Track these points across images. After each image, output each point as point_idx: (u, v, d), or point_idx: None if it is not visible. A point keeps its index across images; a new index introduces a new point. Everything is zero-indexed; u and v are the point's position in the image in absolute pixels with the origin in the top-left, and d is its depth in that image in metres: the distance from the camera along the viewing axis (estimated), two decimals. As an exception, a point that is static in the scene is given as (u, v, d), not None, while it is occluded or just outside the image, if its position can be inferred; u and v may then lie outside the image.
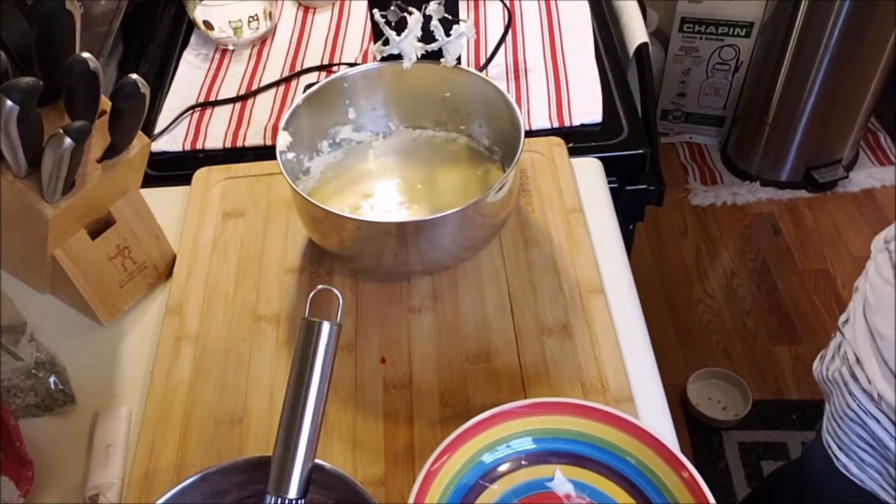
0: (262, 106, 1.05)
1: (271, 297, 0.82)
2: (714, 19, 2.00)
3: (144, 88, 0.67)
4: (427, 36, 0.80)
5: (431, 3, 0.79)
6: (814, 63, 1.86)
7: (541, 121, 0.98)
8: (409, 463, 0.69)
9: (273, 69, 1.10)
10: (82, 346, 0.81)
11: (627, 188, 0.97)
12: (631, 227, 1.05)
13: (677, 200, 2.14)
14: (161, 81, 1.10)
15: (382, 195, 0.85)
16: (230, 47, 1.14)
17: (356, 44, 1.13)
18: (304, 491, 0.55)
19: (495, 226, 0.80)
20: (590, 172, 0.92)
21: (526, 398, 0.68)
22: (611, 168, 0.94)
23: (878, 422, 0.78)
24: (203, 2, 1.10)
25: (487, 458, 0.66)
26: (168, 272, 0.86)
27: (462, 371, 0.75)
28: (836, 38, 1.80)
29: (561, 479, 0.66)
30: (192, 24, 1.17)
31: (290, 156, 0.81)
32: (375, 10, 0.80)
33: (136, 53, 1.16)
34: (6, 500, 0.69)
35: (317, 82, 0.89)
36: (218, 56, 1.13)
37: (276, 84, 1.07)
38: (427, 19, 0.79)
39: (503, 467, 0.66)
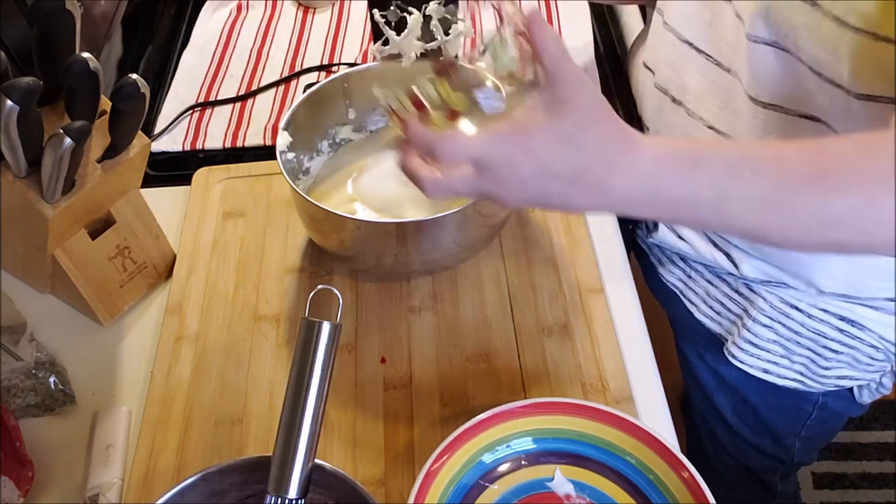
0: (262, 106, 1.05)
1: (271, 297, 0.82)
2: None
3: (144, 88, 0.67)
4: (427, 36, 0.80)
5: (431, 3, 0.79)
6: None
7: (541, 121, 0.98)
8: (409, 463, 0.69)
9: (273, 69, 1.10)
10: (82, 346, 0.81)
11: (627, 188, 0.97)
12: (631, 226, 1.05)
13: (677, 200, 2.14)
14: (161, 81, 1.10)
15: (378, 192, 0.85)
16: None
17: (356, 44, 1.13)
18: (304, 491, 0.55)
19: (495, 226, 0.80)
20: (590, 172, 0.92)
21: (526, 398, 0.68)
22: (611, 168, 0.94)
23: None
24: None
25: (487, 458, 0.66)
26: (168, 272, 0.86)
27: (462, 371, 0.75)
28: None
29: (561, 479, 0.66)
30: (191, 24, 1.17)
31: (290, 156, 0.81)
32: (375, 10, 0.80)
33: (136, 53, 1.16)
34: (6, 500, 0.69)
35: (317, 82, 0.88)
36: (218, 56, 1.12)
37: (276, 84, 1.07)
38: (427, 19, 0.79)
39: (503, 467, 0.66)
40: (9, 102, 0.59)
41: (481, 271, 0.82)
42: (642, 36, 0.98)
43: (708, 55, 0.71)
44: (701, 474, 0.61)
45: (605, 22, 1.13)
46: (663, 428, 0.70)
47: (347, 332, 0.79)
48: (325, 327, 0.55)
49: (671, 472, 0.63)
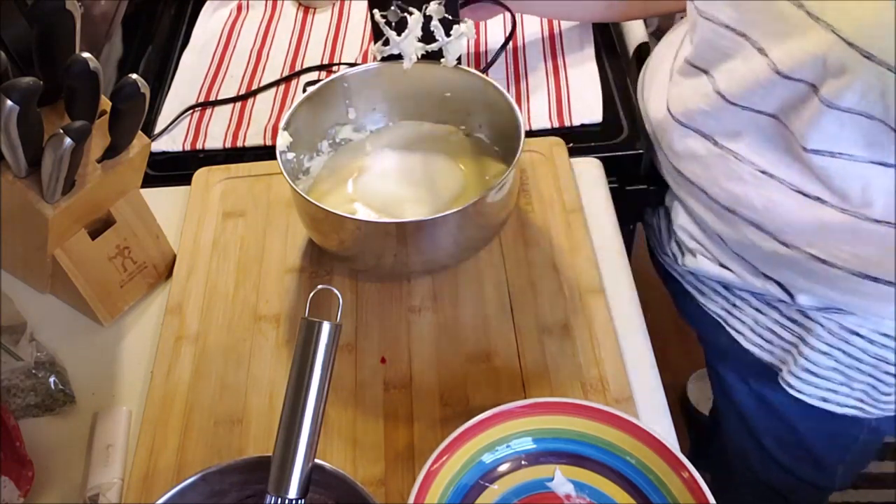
0: (262, 106, 1.05)
1: (271, 297, 0.82)
2: (714, 19, 1.99)
3: (144, 88, 0.67)
4: (427, 36, 0.80)
5: (432, 3, 0.79)
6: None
7: (541, 121, 0.98)
8: (409, 463, 0.69)
9: (273, 69, 1.10)
10: (82, 346, 0.81)
11: (627, 188, 0.97)
12: (631, 227, 1.05)
13: (677, 200, 2.13)
14: (161, 81, 1.10)
15: (378, 192, 0.85)
16: None
17: (356, 44, 1.13)
18: (304, 491, 0.55)
19: (495, 226, 0.80)
20: (590, 172, 0.92)
21: (526, 398, 0.68)
22: (611, 168, 0.94)
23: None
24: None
25: (487, 458, 0.66)
26: (168, 272, 0.86)
27: (462, 371, 0.75)
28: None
29: (561, 479, 0.66)
30: (192, 24, 1.17)
31: (290, 156, 0.81)
32: (375, 11, 0.80)
33: (136, 53, 1.16)
34: (6, 500, 0.69)
35: (317, 82, 0.89)
36: (218, 56, 1.12)
37: (276, 84, 1.07)
38: (427, 19, 0.79)
39: (503, 467, 0.66)
40: (9, 102, 0.59)
41: (481, 271, 0.82)
42: (652, 70, 0.94)
43: (759, 111, 0.70)
44: (719, 487, 0.60)
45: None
46: (663, 428, 0.70)
47: (347, 332, 0.79)
48: (325, 327, 0.55)
49: (671, 472, 0.63)
